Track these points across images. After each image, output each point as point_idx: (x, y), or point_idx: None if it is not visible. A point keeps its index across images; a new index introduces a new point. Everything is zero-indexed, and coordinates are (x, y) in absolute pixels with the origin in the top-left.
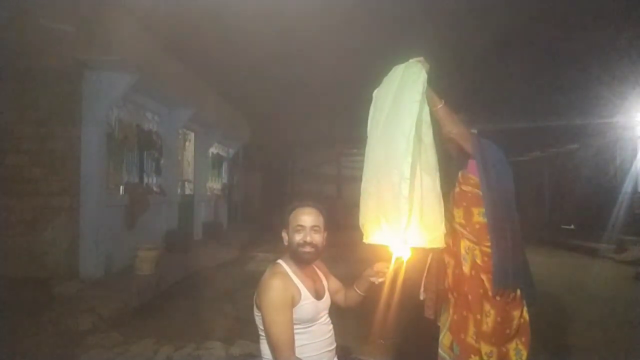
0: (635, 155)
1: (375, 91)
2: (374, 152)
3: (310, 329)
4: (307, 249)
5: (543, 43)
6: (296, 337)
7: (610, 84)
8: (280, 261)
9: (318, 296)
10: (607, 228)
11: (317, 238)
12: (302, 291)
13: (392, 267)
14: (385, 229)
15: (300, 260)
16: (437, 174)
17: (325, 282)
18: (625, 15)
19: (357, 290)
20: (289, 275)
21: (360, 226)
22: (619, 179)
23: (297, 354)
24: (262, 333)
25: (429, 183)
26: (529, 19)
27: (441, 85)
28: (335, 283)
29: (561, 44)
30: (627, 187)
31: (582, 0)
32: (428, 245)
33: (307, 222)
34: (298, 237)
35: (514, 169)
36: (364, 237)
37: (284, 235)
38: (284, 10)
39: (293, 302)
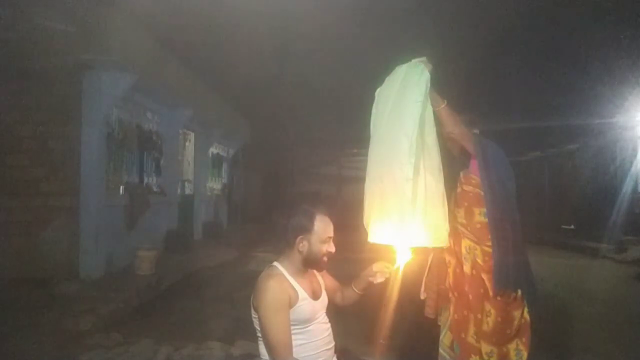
0: (635, 155)
1: (378, 90)
2: (377, 151)
3: (308, 328)
4: (326, 258)
5: (543, 43)
6: (294, 337)
7: (610, 84)
8: (275, 263)
9: (315, 296)
10: (607, 228)
11: None
12: (298, 292)
13: (396, 266)
14: (389, 229)
15: (320, 268)
16: (441, 173)
17: (322, 282)
18: (625, 15)
19: (355, 290)
20: (285, 277)
21: (365, 225)
22: (619, 179)
23: (295, 354)
24: (259, 335)
25: (432, 183)
26: (529, 19)
27: (443, 86)
28: (333, 282)
29: (561, 43)
30: (627, 187)
31: (582, 0)
32: (432, 245)
33: (332, 233)
34: (325, 248)
35: (514, 169)
36: (369, 236)
37: (301, 241)
38: (284, 10)
39: (290, 303)
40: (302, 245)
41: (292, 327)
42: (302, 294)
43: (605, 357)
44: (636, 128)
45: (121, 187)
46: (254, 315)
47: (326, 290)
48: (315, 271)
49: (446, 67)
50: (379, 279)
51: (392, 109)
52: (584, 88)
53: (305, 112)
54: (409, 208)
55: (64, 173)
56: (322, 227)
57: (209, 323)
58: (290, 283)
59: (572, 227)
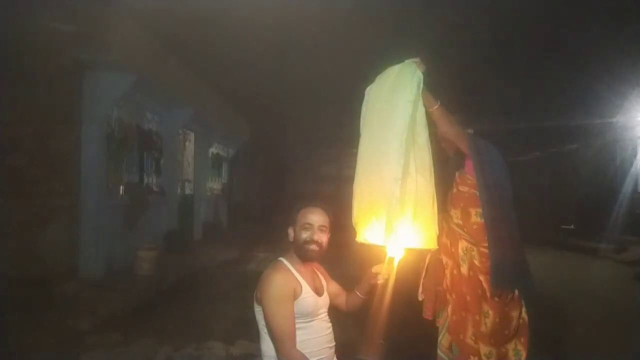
0: (635, 155)
1: (368, 88)
2: (366, 151)
3: (310, 323)
4: (313, 246)
5: (543, 42)
6: (297, 332)
7: (610, 84)
8: (281, 258)
9: (318, 292)
10: (607, 228)
11: (323, 237)
12: (303, 285)
13: (385, 267)
14: (377, 229)
15: (305, 257)
16: (431, 174)
17: (324, 283)
18: (625, 15)
19: (358, 294)
20: (290, 270)
21: (354, 225)
22: (619, 179)
23: (299, 349)
24: (262, 330)
25: (423, 184)
26: (529, 18)
27: (439, 86)
28: (335, 287)
29: (561, 43)
30: (627, 187)
31: (582, 0)
32: (420, 246)
33: (314, 221)
34: (305, 235)
35: (514, 169)
36: (357, 236)
37: (290, 232)
38: (284, 10)
39: (294, 295)
40: (290, 235)
41: (296, 320)
42: (306, 287)
43: (605, 357)
44: (636, 128)
45: (121, 187)
46: (257, 309)
47: (329, 294)
48: (318, 271)
49: (445, 66)
50: (380, 280)
51: (383, 108)
52: (584, 88)
53: (305, 111)
54: (397, 208)
55: (64, 173)
56: (303, 216)
57: (209, 323)
58: (295, 276)
59: (572, 227)
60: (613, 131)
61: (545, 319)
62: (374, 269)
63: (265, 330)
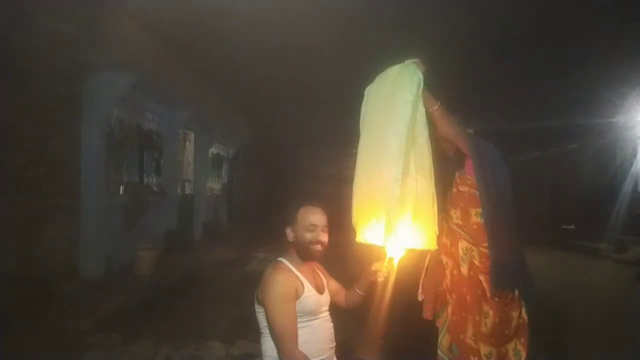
0: (635, 155)
1: (368, 88)
2: (366, 151)
3: (312, 322)
4: (318, 247)
5: (543, 42)
6: (300, 331)
7: (610, 84)
8: (281, 259)
9: (319, 291)
10: (607, 228)
11: (326, 237)
12: (305, 284)
13: (385, 267)
14: (377, 229)
15: (309, 257)
16: (431, 174)
17: (324, 280)
18: (625, 15)
19: (357, 291)
20: (291, 271)
21: (353, 225)
22: (619, 179)
23: (301, 349)
24: (264, 330)
25: (422, 184)
26: (528, 18)
27: (439, 86)
28: (335, 284)
29: (561, 43)
30: (627, 187)
31: (582, 0)
32: (420, 247)
33: (319, 222)
34: (310, 236)
35: (513, 169)
36: (357, 236)
37: (289, 232)
38: (284, 9)
39: (297, 294)
40: (290, 235)
41: (298, 319)
42: (308, 286)
43: (604, 357)
44: (636, 128)
45: (121, 187)
46: (258, 309)
47: (330, 292)
48: (317, 270)
49: (445, 66)
50: (379, 278)
51: (383, 108)
52: (584, 88)
53: (306, 111)
54: (397, 209)
55: (64, 173)
56: (305, 216)
57: (208, 323)
58: (296, 276)
59: (572, 227)
60: (613, 131)
61: (545, 319)
62: (373, 267)
63: (267, 331)
